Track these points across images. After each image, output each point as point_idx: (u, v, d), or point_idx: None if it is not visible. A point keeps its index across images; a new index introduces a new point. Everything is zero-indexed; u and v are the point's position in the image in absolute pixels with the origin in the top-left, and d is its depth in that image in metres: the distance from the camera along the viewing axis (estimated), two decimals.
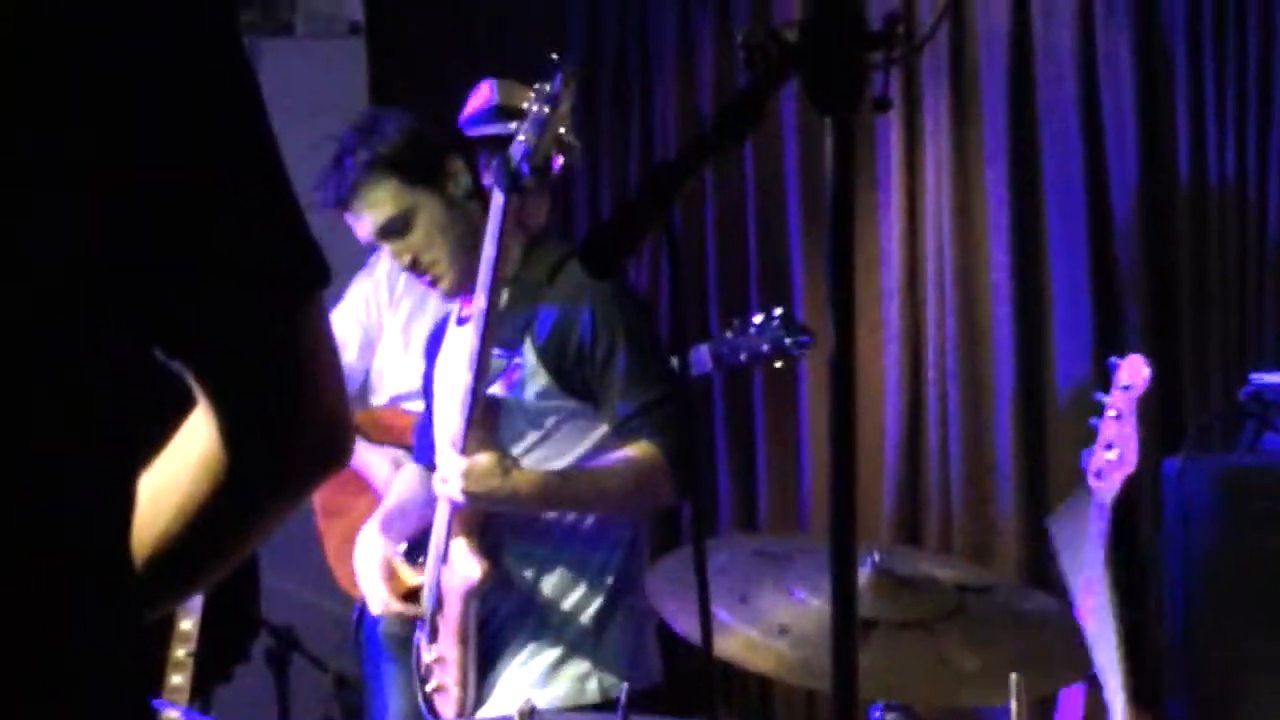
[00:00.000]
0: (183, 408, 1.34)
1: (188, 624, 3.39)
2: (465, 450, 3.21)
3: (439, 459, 3.30)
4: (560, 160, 3.19)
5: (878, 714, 3.03)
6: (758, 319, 4.19)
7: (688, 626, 2.77)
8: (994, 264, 4.43)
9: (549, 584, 3.35)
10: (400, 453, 4.03)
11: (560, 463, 3.32)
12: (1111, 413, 3.45)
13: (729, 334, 4.24)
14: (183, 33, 1.22)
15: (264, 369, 1.31)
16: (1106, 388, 3.49)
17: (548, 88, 3.10)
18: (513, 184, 3.09)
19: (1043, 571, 4.23)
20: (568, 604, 3.35)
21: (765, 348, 4.14)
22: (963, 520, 4.52)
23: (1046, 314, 4.37)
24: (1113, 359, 3.53)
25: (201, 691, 3.99)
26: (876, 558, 2.78)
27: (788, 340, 4.12)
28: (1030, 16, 4.35)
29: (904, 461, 4.65)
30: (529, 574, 3.34)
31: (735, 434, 5.11)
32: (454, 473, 3.20)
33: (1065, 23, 4.26)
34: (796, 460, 4.98)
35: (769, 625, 2.73)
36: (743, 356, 4.19)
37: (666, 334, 5.00)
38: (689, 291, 5.02)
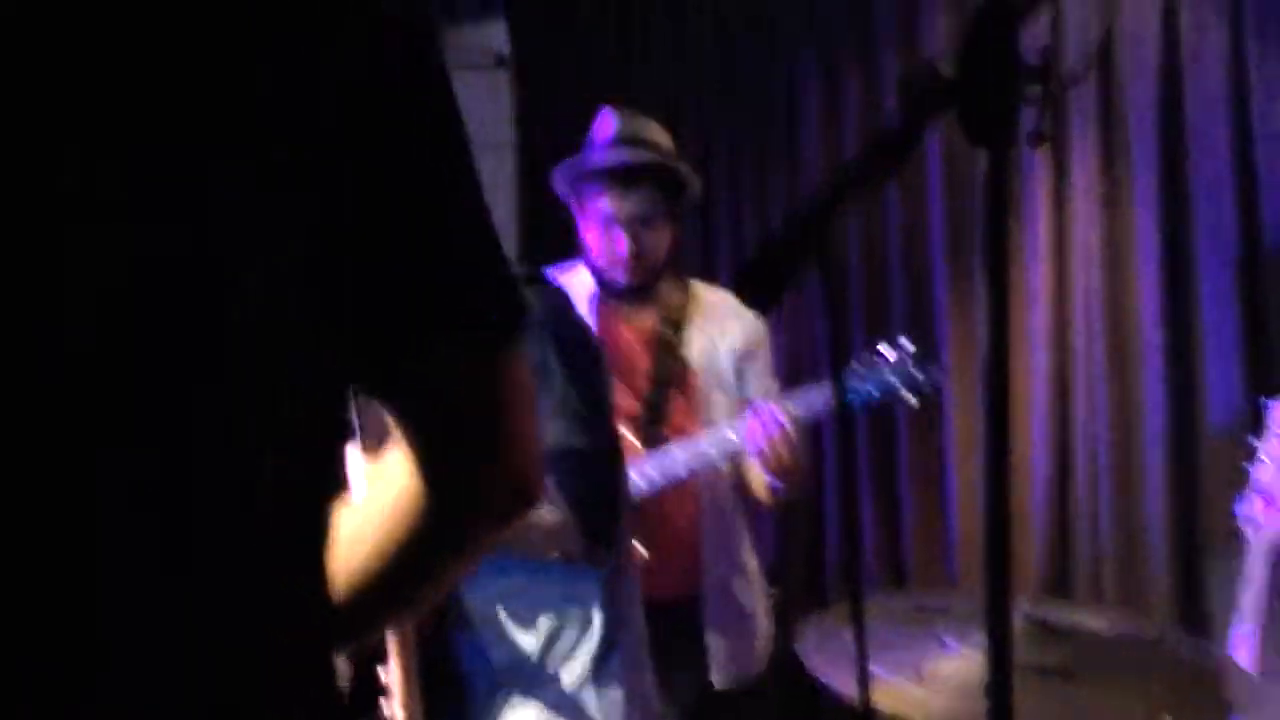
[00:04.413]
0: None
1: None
2: None
3: None
4: None
5: None
6: (886, 352, 3.94)
7: (838, 681, 2.73)
8: (1144, 304, 4.35)
9: (533, 626, 2.97)
10: None
11: None
12: (1264, 458, 3.37)
13: (856, 366, 3.96)
14: (405, 80, 1.23)
15: (468, 411, 1.32)
16: (1260, 430, 3.41)
17: None
18: None
19: (1195, 617, 4.16)
20: (557, 650, 2.98)
21: (894, 380, 3.90)
22: (1112, 567, 4.44)
23: (1197, 355, 4.28)
24: (1266, 400, 3.46)
25: None
26: (1026, 607, 2.75)
27: (916, 373, 3.90)
28: (1180, 53, 4.28)
29: (1053, 507, 4.58)
30: (499, 613, 3.00)
31: (880, 483, 5.06)
32: None
33: (1216, 60, 4.18)
34: (943, 510, 4.91)
35: (909, 670, 2.70)
36: (874, 392, 3.95)
37: (824, 365, 4.95)
38: (841, 322, 4.95)
